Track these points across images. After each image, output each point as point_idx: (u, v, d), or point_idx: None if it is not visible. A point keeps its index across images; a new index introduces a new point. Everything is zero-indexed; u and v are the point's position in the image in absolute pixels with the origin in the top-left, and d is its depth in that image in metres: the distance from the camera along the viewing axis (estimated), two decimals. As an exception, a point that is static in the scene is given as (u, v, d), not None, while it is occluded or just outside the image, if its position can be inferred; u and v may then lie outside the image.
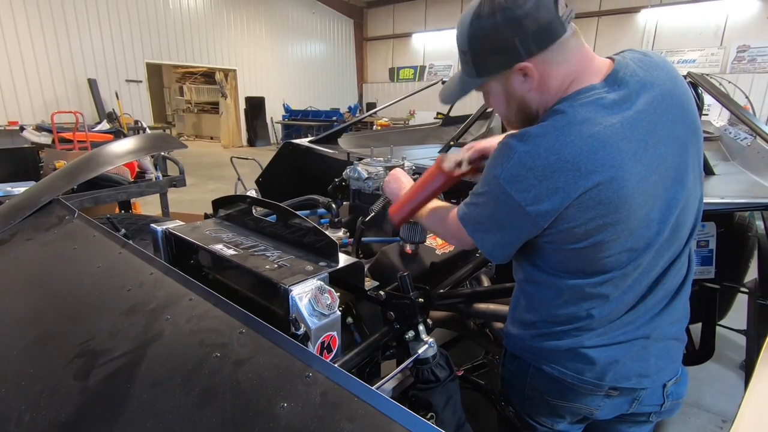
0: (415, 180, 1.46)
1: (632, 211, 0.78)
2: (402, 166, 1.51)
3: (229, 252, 1.08)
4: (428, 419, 0.99)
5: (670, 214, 0.83)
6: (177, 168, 3.52)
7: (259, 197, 2.35)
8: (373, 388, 0.65)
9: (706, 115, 3.80)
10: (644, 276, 0.87)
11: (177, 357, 0.77)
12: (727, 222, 1.81)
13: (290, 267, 0.99)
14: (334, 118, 12.27)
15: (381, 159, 1.57)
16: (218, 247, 1.11)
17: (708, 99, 5.07)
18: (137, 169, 3.47)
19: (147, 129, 9.25)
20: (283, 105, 13.46)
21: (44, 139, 5.66)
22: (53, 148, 4.88)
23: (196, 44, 11.72)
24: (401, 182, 1.27)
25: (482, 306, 1.34)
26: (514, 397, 1.07)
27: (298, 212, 1.57)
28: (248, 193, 2.56)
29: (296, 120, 12.96)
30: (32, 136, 5.76)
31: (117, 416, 0.68)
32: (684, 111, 0.85)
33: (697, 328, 1.72)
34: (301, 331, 0.81)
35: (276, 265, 1.00)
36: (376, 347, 1.02)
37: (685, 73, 2.12)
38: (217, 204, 1.39)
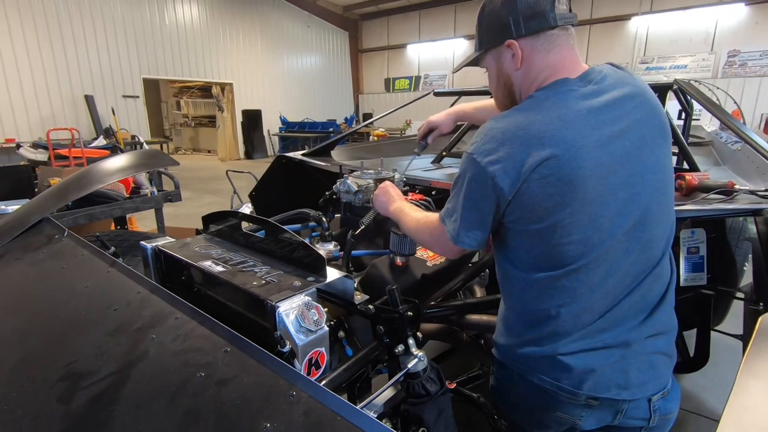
0: (405, 192, 1.47)
1: (588, 193, 0.82)
2: (392, 178, 1.52)
3: (218, 269, 1.08)
4: (419, 434, 0.98)
5: (633, 209, 0.86)
6: (172, 183, 3.53)
7: (253, 211, 2.36)
8: (358, 406, 0.64)
9: (697, 120, 3.83)
10: (610, 275, 0.88)
11: (161, 378, 0.76)
12: (720, 227, 1.81)
13: (278, 283, 0.99)
14: (331, 130, 12.32)
15: (372, 171, 1.58)
16: (207, 264, 1.10)
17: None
18: (132, 185, 3.48)
19: (144, 144, 9.28)
20: (280, 117, 13.52)
21: (41, 156, 5.68)
22: (49, 165, 4.88)
23: (193, 59, 11.81)
24: (390, 195, 1.28)
25: (475, 317, 1.33)
26: (502, 406, 1.07)
27: (289, 226, 1.58)
28: (243, 207, 2.57)
29: (293, 132, 13.01)
30: (28, 153, 5.79)
31: (99, 440, 0.67)
32: (653, 114, 0.90)
33: (692, 335, 1.71)
34: (287, 348, 0.81)
35: (264, 281, 1.00)
36: (366, 362, 1.02)
37: (672, 79, 2.14)
38: (208, 220, 1.39)
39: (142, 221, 5.04)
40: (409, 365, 0.99)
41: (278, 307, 0.88)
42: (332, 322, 1.26)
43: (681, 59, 11.31)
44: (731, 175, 2.04)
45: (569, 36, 0.92)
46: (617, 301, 0.90)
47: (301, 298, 0.91)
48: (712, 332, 1.75)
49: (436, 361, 1.66)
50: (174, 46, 11.31)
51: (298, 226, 1.57)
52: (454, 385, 1.20)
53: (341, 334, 1.23)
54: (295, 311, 0.88)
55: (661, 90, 1.94)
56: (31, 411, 0.75)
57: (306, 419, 0.63)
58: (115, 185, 3.20)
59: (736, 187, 1.35)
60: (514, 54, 0.92)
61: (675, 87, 2.00)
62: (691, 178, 1.43)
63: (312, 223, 1.60)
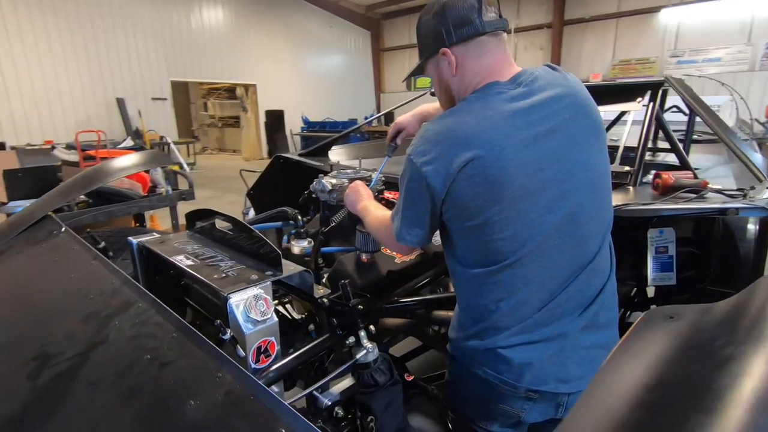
0: (381, 191, 1.51)
1: (515, 191, 0.85)
2: (368, 178, 1.57)
3: (187, 262, 1.16)
4: (368, 422, 1.03)
5: (563, 205, 0.89)
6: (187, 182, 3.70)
7: (251, 209, 2.45)
8: (306, 392, 0.70)
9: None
10: (545, 270, 0.91)
11: (115, 359, 0.85)
12: (709, 227, 1.77)
13: (237, 276, 1.06)
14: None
15: (350, 171, 1.63)
16: (179, 258, 1.19)
17: (718, 100, 4.92)
18: (149, 184, 3.67)
19: (171, 144, 9.68)
20: (302, 117, 13.75)
21: (72, 156, 6.01)
22: (78, 165, 5.17)
23: (218, 61, 12.16)
24: (359, 194, 1.33)
25: (442, 313, 1.37)
26: (455, 399, 1.11)
27: (273, 224, 1.65)
28: (248, 208, 2.66)
29: (314, 131, 13.21)
30: (62, 154, 6.14)
31: (54, 411, 0.76)
32: (584, 114, 0.93)
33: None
34: (228, 335, 0.87)
35: (224, 275, 1.07)
36: (317, 351, 1.08)
37: (663, 77, 2.09)
38: (191, 217, 1.48)
39: (164, 220, 5.28)
40: (357, 356, 1.04)
41: (229, 298, 0.95)
42: (304, 316, 1.33)
43: (715, 52, 10.80)
44: (728, 174, 1.99)
45: (500, 41, 0.95)
46: (554, 296, 0.93)
47: (252, 291, 0.98)
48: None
49: (413, 355, 1.70)
50: (200, 49, 11.69)
51: (280, 223, 1.64)
52: (411, 378, 1.24)
53: (311, 327, 1.30)
54: (244, 302, 0.95)
55: (652, 87, 1.90)
56: (4, 385, 0.85)
57: (225, 398, 0.69)
58: (133, 185, 3.40)
59: (709, 186, 1.33)
60: (449, 61, 0.96)
61: (666, 86, 1.95)
62: (668, 177, 1.41)
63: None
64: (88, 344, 0.89)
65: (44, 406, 0.77)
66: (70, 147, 6.44)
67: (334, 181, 1.51)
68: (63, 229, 1.44)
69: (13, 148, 7.81)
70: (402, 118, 1.46)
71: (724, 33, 10.57)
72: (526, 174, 0.86)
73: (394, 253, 1.42)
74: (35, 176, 3.63)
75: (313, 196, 1.60)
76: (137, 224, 3.87)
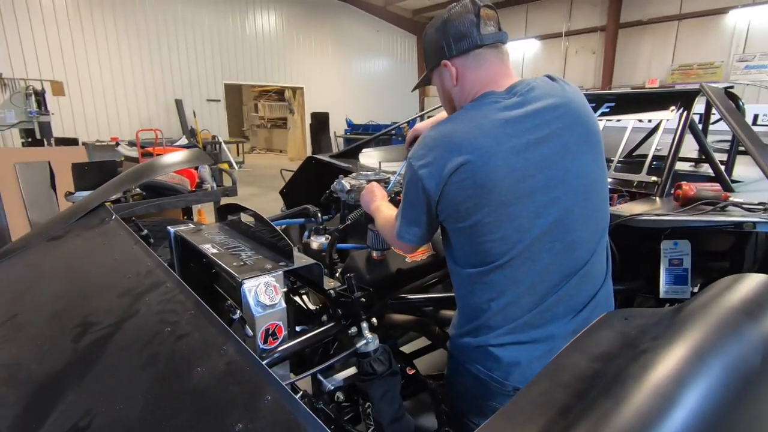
0: (397, 192, 1.58)
1: (503, 195, 0.90)
2: (386, 180, 1.64)
3: (213, 251, 1.29)
4: (366, 408, 1.11)
5: (552, 211, 0.92)
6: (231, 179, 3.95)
7: (284, 207, 2.59)
8: (305, 374, 0.78)
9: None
10: (535, 273, 0.94)
11: (142, 329, 0.97)
12: (744, 240, 1.69)
13: (253, 264, 1.16)
14: (393, 132, 12.56)
15: (370, 173, 1.71)
16: (206, 247, 1.32)
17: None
18: (197, 180, 3.95)
19: (222, 143, 10.25)
20: (346, 120, 14.06)
21: (133, 152, 6.55)
22: (137, 160, 5.63)
23: (269, 64, 12.73)
24: (374, 195, 1.41)
25: (449, 313, 1.42)
26: (452, 394, 1.15)
27: (296, 220, 1.77)
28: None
29: (357, 134, 13.46)
30: (124, 150, 6.70)
31: (90, 369, 0.90)
32: (578, 123, 0.95)
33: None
34: (237, 315, 0.98)
35: (243, 263, 1.18)
36: (321, 338, 1.16)
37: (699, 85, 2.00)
38: (223, 210, 1.62)
39: (212, 214, 5.62)
40: (357, 345, 1.11)
41: (243, 283, 1.05)
42: (318, 306, 1.42)
43: (790, 56, 9.96)
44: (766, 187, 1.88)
45: (499, 53, 0.99)
46: (545, 299, 0.96)
47: (264, 278, 1.08)
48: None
49: (423, 352, 1.75)
50: (252, 53, 12.28)
51: (303, 220, 1.75)
52: (413, 372, 1.30)
53: (324, 317, 1.39)
54: (255, 288, 1.05)
55: (685, 96, 1.84)
56: (53, 344, 1.00)
57: (226, 368, 0.79)
58: (182, 180, 3.68)
59: (730, 199, 1.29)
60: (450, 72, 1.02)
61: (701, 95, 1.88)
62: (688, 188, 1.38)
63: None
64: (122, 316, 1.03)
65: (82, 365, 0.91)
66: (131, 144, 6.99)
67: (353, 181, 1.60)
68: (113, 217, 1.62)
69: (84, 143, 8.58)
70: (420, 124, 1.53)
71: (801, 35, 9.73)
72: (515, 179, 0.90)
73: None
74: (98, 169, 4.00)
75: (334, 195, 1.70)
76: (185, 217, 4.17)
